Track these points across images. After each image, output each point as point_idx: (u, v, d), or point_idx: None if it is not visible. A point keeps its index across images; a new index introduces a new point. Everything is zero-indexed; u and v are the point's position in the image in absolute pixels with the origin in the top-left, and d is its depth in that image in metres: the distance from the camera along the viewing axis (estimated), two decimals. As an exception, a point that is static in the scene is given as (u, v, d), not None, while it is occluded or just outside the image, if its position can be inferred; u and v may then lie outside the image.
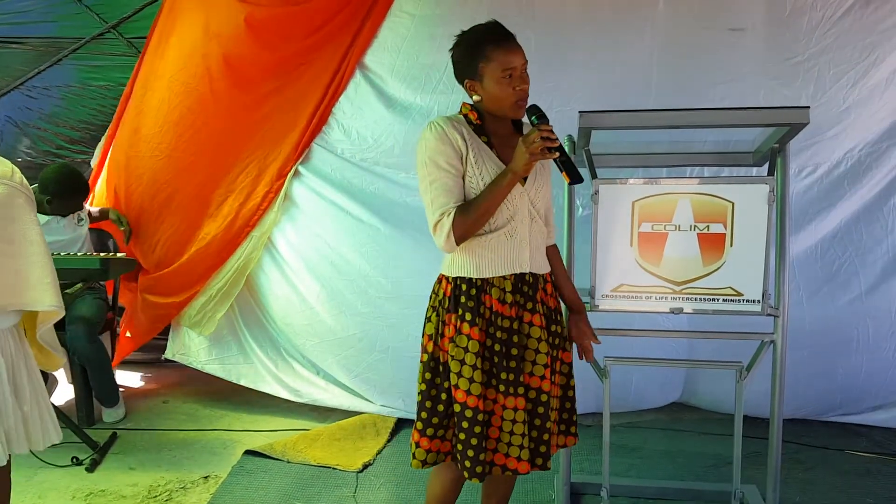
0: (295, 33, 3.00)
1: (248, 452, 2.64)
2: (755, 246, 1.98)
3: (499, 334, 1.60)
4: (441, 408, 1.65)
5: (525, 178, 1.64)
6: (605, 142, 2.13)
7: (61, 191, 2.91)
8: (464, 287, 1.62)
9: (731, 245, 1.99)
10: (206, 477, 2.49)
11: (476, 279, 1.62)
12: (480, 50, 1.58)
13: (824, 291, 2.80)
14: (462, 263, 1.63)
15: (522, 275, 1.64)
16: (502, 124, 1.68)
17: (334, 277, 3.02)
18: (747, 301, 2.00)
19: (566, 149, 2.10)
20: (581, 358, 1.89)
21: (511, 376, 1.59)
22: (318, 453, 2.64)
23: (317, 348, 3.10)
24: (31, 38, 3.48)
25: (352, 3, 2.96)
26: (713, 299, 2.02)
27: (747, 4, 2.77)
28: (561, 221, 2.14)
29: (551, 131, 1.49)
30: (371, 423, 2.92)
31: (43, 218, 2.93)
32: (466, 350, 1.58)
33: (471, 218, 1.57)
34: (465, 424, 1.59)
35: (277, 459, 2.59)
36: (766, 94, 2.77)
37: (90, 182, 3.33)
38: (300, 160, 3.04)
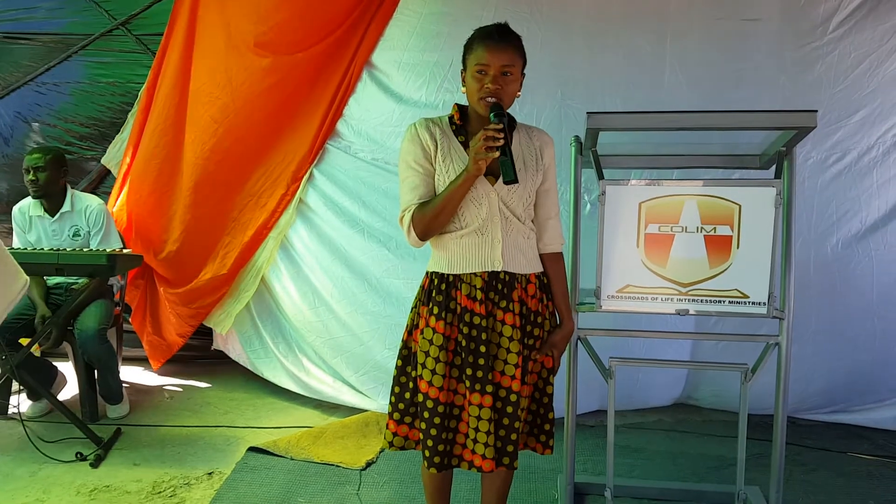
0: (309, 39, 3.03)
1: (252, 449, 2.65)
2: (761, 248, 1.98)
3: (465, 330, 1.63)
4: (407, 395, 1.71)
5: (497, 178, 1.64)
6: (611, 142, 2.14)
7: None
8: (436, 282, 1.67)
9: (738, 247, 2.00)
10: (210, 473, 2.50)
11: (448, 275, 1.66)
12: (471, 43, 1.64)
13: (837, 290, 2.79)
14: (437, 259, 1.70)
15: (496, 273, 1.65)
16: (484, 125, 1.66)
17: (346, 276, 3.07)
18: (753, 303, 2.01)
19: (572, 150, 2.14)
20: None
21: (479, 373, 1.61)
22: (322, 451, 2.65)
23: (327, 345, 3.15)
24: (40, 33, 3.47)
25: (361, 4, 2.99)
26: (719, 301, 2.03)
27: None
28: (567, 220, 2.15)
29: (497, 130, 1.49)
30: (374, 420, 2.93)
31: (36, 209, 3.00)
32: (431, 342, 1.63)
33: (428, 214, 1.62)
34: (426, 415, 1.64)
35: (281, 456, 2.60)
36: (787, 80, 2.76)
37: (117, 187, 3.38)
38: (314, 163, 3.10)
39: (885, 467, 2.56)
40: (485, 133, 1.49)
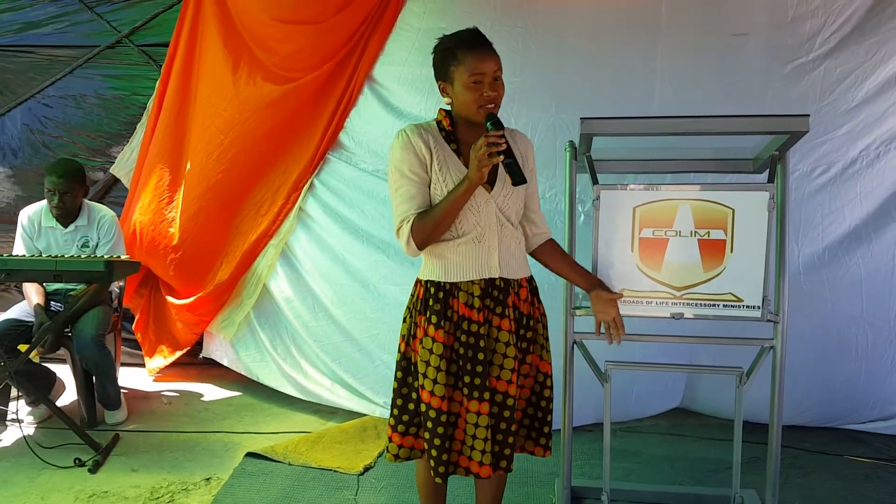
0: (318, 64, 3.09)
1: (250, 454, 2.66)
2: (755, 252, 1.99)
3: (464, 338, 1.63)
4: (411, 406, 1.70)
5: (493, 185, 1.66)
6: (606, 148, 2.16)
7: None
8: (432, 290, 1.66)
9: (732, 251, 2.01)
10: (207, 479, 2.50)
11: (444, 283, 1.66)
12: (453, 53, 1.62)
13: (828, 297, 2.81)
14: (432, 267, 1.68)
15: (492, 280, 1.66)
16: (475, 132, 1.67)
17: (345, 283, 3.10)
18: (747, 307, 2.02)
19: (567, 155, 2.15)
20: (609, 342, 1.87)
21: (477, 380, 1.61)
22: (320, 456, 2.65)
23: (325, 349, 3.17)
24: (45, 46, 3.53)
25: (364, 24, 3.04)
26: (713, 305, 2.04)
27: (749, 9, 2.81)
28: (562, 224, 2.17)
29: (499, 136, 1.51)
30: (372, 425, 2.94)
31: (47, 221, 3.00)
32: (431, 352, 1.62)
33: (429, 224, 1.61)
34: (429, 424, 1.63)
35: (279, 462, 2.60)
36: (774, 94, 2.79)
37: (128, 198, 3.43)
38: (315, 173, 3.14)
39: (882, 470, 2.56)
40: (487, 140, 1.50)
